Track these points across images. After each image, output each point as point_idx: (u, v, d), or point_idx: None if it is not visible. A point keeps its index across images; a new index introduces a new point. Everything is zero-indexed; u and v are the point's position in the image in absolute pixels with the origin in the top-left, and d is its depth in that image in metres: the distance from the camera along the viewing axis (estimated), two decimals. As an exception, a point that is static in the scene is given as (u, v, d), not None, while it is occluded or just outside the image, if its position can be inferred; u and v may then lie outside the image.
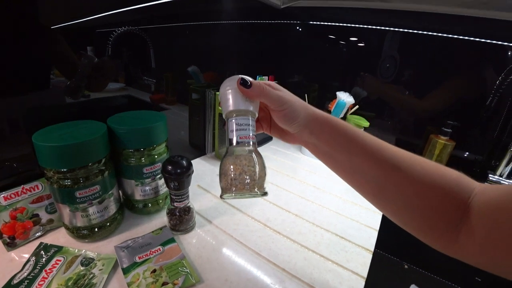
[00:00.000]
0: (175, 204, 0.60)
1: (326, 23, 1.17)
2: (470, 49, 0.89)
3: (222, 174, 0.38)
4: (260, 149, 1.08)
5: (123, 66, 0.76)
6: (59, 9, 0.59)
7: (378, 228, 0.69)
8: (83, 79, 0.66)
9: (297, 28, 1.26)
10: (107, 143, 0.56)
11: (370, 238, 0.65)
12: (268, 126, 0.46)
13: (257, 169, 0.38)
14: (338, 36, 1.16)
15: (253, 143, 0.39)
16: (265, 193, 0.39)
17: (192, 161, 0.59)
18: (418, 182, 0.35)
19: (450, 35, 0.90)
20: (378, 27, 1.03)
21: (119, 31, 0.69)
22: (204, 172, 0.88)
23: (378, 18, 1.02)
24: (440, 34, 0.92)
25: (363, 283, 0.54)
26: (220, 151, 0.97)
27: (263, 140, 1.16)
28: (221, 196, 0.38)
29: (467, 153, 0.95)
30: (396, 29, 0.99)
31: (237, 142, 0.38)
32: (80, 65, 0.65)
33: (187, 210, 0.62)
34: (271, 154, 1.08)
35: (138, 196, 0.63)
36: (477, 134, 0.93)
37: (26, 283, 0.48)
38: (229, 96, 0.39)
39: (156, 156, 0.62)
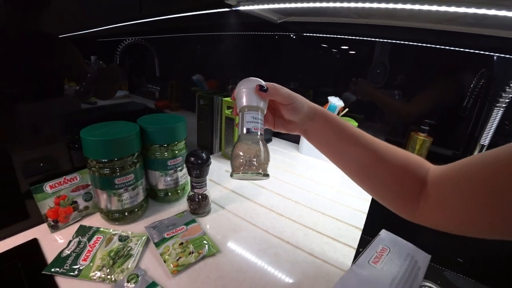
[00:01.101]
0: (195, 190, 0.70)
1: (318, 35, 1.29)
2: (449, 57, 1.00)
3: (234, 156, 0.46)
4: None
5: (128, 74, 0.82)
6: (66, 19, 0.64)
7: (367, 211, 0.80)
8: (92, 84, 0.72)
9: (292, 36, 1.37)
10: (139, 139, 0.66)
11: (361, 220, 0.76)
12: (272, 122, 0.56)
13: (263, 155, 0.46)
14: (330, 44, 1.27)
15: (260, 133, 0.48)
16: (267, 175, 0.47)
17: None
18: (389, 163, 0.46)
19: (431, 45, 1.01)
20: (368, 39, 1.14)
21: (127, 42, 0.76)
22: (213, 168, 0.99)
23: (367, 31, 1.13)
24: (422, 44, 1.03)
25: (354, 252, 0.65)
26: (226, 151, 1.07)
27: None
28: (231, 175, 0.47)
29: (445, 148, 1.07)
30: (384, 40, 1.11)
31: (248, 132, 0.47)
32: (89, 71, 0.71)
33: (205, 197, 0.73)
34: (271, 153, 1.18)
35: (161, 185, 0.74)
36: (454, 132, 1.04)
37: (74, 256, 0.58)
38: (244, 94, 0.49)
39: (177, 151, 0.73)
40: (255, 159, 0.46)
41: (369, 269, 0.38)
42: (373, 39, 1.13)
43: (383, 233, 0.45)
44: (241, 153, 0.46)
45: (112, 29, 0.73)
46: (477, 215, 0.33)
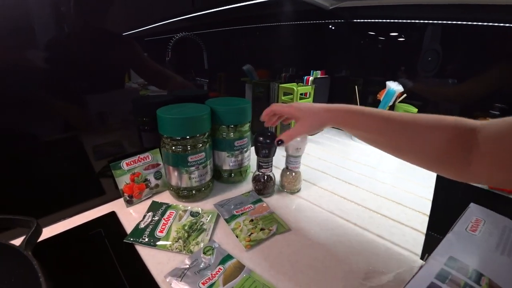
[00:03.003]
0: (262, 170, 0.72)
1: (368, 21, 1.26)
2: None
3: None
4: (315, 137, 1.20)
5: (176, 68, 0.83)
6: (127, 18, 0.68)
7: (431, 198, 0.77)
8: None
9: (339, 25, 1.35)
10: (210, 119, 0.69)
11: (426, 206, 0.74)
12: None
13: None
14: (379, 32, 1.23)
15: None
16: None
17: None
18: (425, 131, 0.45)
19: (491, 23, 0.94)
20: (420, 21, 1.09)
21: (178, 37, 0.78)
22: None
23: (419, 13, 1.08)
24: (480, 23, 0.96)
25: (424, 238, 0.63)
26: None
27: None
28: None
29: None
30: (437, 22, 1.05)
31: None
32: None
33: (270, 178, 0.74)
34: (326, 140, 1.19)
35: (226, 166, 0.76)
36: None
37: (151, 227, 0.62)
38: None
39: (243, 133, 0.75)
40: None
41: (468, 236, 0.36)
42: (425, 21, 1.07)
43: (473, 206, 0.44)
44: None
45: (165, 25, 0.75)
46: None
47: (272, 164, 0.73)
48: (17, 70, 0.54)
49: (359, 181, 0.85)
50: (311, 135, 0.61)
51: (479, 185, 0.49)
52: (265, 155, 0.69)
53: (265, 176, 0.74)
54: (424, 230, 0.65)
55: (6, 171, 0.57)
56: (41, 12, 0.54)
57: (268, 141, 0.67)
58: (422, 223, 0.67)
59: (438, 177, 0.53)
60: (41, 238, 0.56)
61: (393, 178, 0.89)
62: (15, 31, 0.52)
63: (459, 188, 0.50)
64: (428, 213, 0.71)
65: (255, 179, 0.75)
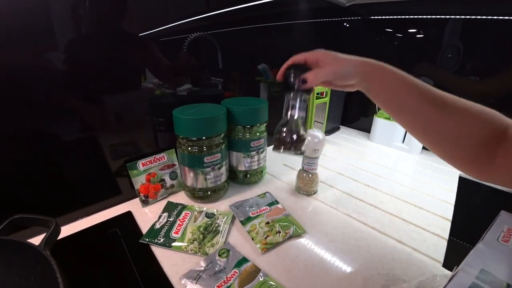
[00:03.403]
0: (292, 112, 0.56)
1: (385, 17, 1.22)
2: None
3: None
4: (330, 137, 1.18)
5: (191, 68, 0.83)
6: (143, 19, 0.68)
7: (452, 202, 0.75)
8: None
9: (354, 23, 1.32)
10: (226, 120, 0.68)
11: (447, 210, 0.71)
12: (329, 84, 0.53)
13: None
14: (397, 28, 1.20)
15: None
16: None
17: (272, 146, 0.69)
18: (464, 117, 0.41)
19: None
20: (440, 16, 1.06)
21: (192, 36, 0.78)
22: (285, 154, 0.99)
23: (439, 8, 1.04)
24: (505, 18, 0.91)
25: (446, 244, 0.61)
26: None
27: (332, 129, 1.25)
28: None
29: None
30: (458, 17, 1.01)
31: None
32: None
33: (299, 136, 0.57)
34: (342, 141, 1.17)
35: (242, 167, 0.76)
36: None
37: (166, 228, 0.62)
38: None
39: (259, 134, 0.74)
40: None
41: (500, 247, 0.34)
42: (446, 16, 1.03)
43: (504, 214, 0.41)
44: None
45: (179, 25, 0.75)
46: None
47: (306, 106, 0.57)
48: (38, 71, 0.55)
49: (377, 183, 0.83)
50: (337, 87, 0.51)
51: (505, 189, 0.46)
52: (303, 82, 0.51)
53: (298, 118, 0.54)
54: (446, 236, 0.63)
55: (27, 170, 0.58)
56: (60, 14, 0.55)
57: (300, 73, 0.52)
58: (443, 228, 0.65)
59: (460, 179, 0.50)
60: (59, 237, 0.57)
61: (412, 180, 0.86)
62: (35, 34, 0.53)
63: (482, 191, 0.48)
64: (450, 217, 0.69)
65: (281, 130, 0.54)
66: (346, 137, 1.22)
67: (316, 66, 0.51)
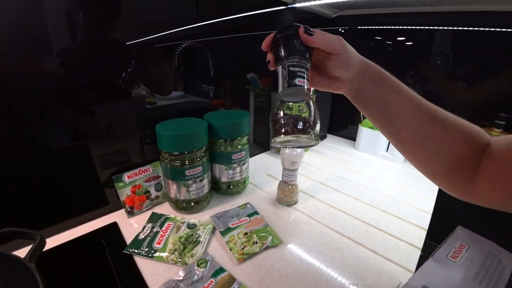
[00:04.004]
0: (298, 80, 0.41)
1: (373, 27, 1.24)
2: None
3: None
4: (317, 147, 1.18)
5: (183, 75, 0.86)
6: (133, 28, 0.69)
7: (431, 211, 0.77)
8: (136, 71, 0.72)
9: (341, 31, 1.34)
10: (207, 134, 0.71)
11: (424, 219, 0.73)
12: (315, 78, 0.46)
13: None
14: (385, 37, 1.21)
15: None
16: (317, 139, 0.38)
17: (258, 156, 0.70)
18: (448, 130, 0.39)
19: (504, 29, 0.91)
20: (427, 27, 1.08)
21: (184, 45, 0.79)
22: (270, 164, 1.02)
23: (426, 19, 1.06)
24: (491, 29, 0.93)
25: (419, 253, 0.63)
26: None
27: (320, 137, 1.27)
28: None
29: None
30: (447, 28, 1.02)
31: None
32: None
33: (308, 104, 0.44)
34: (327, 150, 1.19)
35: (224, 178, 0.78)
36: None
37: (149, 239, 0.64)
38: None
39: (240, 146, 0.77)
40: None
41: (448, 263, 0.36)
42: (434, 27, 1.06)
43: (460, 229, 0.43)
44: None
45: (170, 34, 0.77)
46: None
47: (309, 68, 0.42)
48: (28, 79, 0.56)
49: (359, 193, 0.85)
50: (328, 80, 0.44)
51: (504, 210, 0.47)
52: (299, 50, 0.40)
53: (305, 88, 0.39)
54: (420, 245, 0.65)
55: (15, 179, 0.59)
56: (52, 22, 0.57)
57: (290, 32, 0.41)
58: (419, 238, 0.67)
59: (440, 190, 0.52)
60: (45, 248, 0.59)
61: (394, 189, 0.88)
62: (26, 41, 0.54)
63: (461, 202, 0.49)
64: (426, 227, 0.71)
65: (279, 111, 0.38)
66: (332, 145, 1.24)
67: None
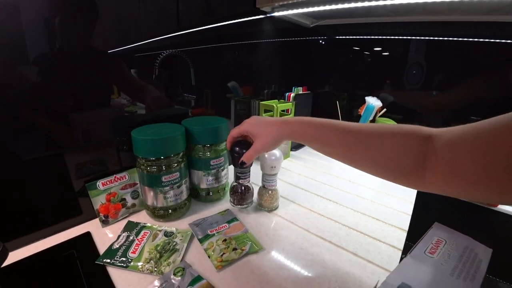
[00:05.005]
0: (240, 181, 0.73)
1: (350, 37, 1.28)
2: (493, 49, 0.95)
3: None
4: (297, 152, 1.22)
5: (164, 85, 0.85)
6: (112, 36, 0.69)
7: (410, 213, 0.77)
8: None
9: (321, 42, 1.38)
10: (184, 139, 0.69)
11: (404, 221, 0.74)
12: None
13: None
14: (363, 47, 1.26)
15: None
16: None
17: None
18: (375, 146, 0.46)
19: (472, 39, 0.97)
20: (402, 37, 1.12)
21: (165, 54, 0.79)
22: (253, 172, 1.00)
23: (401, 29, 1.11)
24: (461, 39, 0.99)
25: (400, 254, 0.63)
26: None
27: (299, 145, 1.28)
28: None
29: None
30: (420, 38, 1.07)
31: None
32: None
33: (248, 188, 0.75)
34: (308, 156, 1.20)
35: (203, 185, 0.76)
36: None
37: (123, 248, 0.61)
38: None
39: (219, 152, 0.75)
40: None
41: (426, 259, 0.36)
42: (408, 37, 1.10)
43: (436, 225, 0.43)
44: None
45: (151, 43, 0.77)
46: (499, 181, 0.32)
47: (249, 174, 0.74)
48: (1, 85, 0.54)
49: (339, 197, 0.85)
50: (273, 149, 0.61)
51: (461, 198, 0.48)
52: (242, 165, 0.66)
53: (243, 187, 0.75)
54: (401, 247, 0.65)
55: None
56: (27, 29, 0.55)
57: (244, 151, 0.65)
58: (399, 239, 0.67)
59: (418, 193, 0.53)
60: (12, 261, 0.56)
61: (375, 193, 0.89)
62: (1, 46, 0.53)
63: (439, 201, 0.50)
64: (407, 228, 0.71)
65: (233, 190, 0.76)
66: (312, 152, 1.24)
67: (250, 136, 0.62)
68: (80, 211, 0.71)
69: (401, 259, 0.59)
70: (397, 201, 0.83)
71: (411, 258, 0.37)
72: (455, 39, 1.00)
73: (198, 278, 0.54)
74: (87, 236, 0.66)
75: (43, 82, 0.59)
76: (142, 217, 0.73)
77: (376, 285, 0.52)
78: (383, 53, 1.20)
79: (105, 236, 0.66)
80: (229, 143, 0.66)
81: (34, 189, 0.63)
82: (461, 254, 0.37)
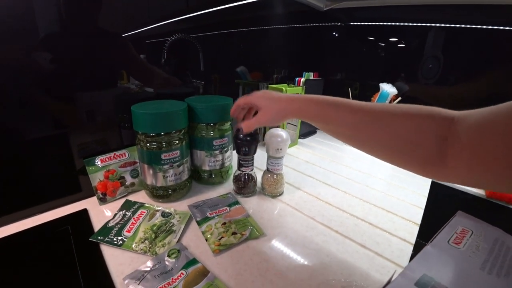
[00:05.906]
0: (243, 168, 0.70)
1: (366, 23, 1.22)
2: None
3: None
4: (305, 141, 1.16)
5: (173, 71, 0.83)
6: (126, 20, 0.69)
7: (423, 207, 0.72)
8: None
9: (334, 33, 1.32)
10: (187, 116, 0.66)
11: (417, 215, 0.69)
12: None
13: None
14: (378, 37, 1.20)
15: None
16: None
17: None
18: (388, 127, 0.40)
19: (492, 27, 0.90)
20: (420, 24, 1.05)
21: (173, 38, 0.77)
22: (257, 156, 0.96)
23: (420, 14, 1.05)
24: (483, 27, 0.92)
25: (412, 248, 0.58)
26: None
27: (308, 133, 1.23)
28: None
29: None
30: (439, 25, 1.01)
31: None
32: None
33: (251, 177, 0.72)
34: (317, 144, 1.15)
35: (206, 166, 0.73)
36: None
37: (119, 227, 0.59)
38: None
39: (223, 131, 0.72)
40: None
41: (450, 250, 0.31)
42: (427, 24, 1.03)
43: (460, 214, 0.38)
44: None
45: (160, 27, 0.75)
46: None
47: (253, 162, 0.71)
48: (9, 67, 0.54)
49: (348, 187, 0.81)
50: (275, 126, 0.58)
51: (476, 193, 0.43)
52: (245, 152, 0.67)
53: (246, 175, 0.71)
54: (413, 241, 0.60)
55: None
56: (34, 11, 0.54)
57: (248, 138, 0.65)
58: (411, 232, 0.63)
59: (433, 183, 0.48)
60: (4, 234, 0.55)
61: (386, 184, 0.84)
62: (9, 29, 0.52)
63: (453, 195, 0.45)
64: (419, 222, 0.66)
65: (236, 178, 0.72)
66: (321, 140, 1.20)
67: (255, 107, 0.60)
68: (79, 188, 0.69)
69: (412, 256, 0.55)
70: (410, 194, 0.78)
71: (433, 247, 0.33)
72: (480, 26, 0.93)
73: (193, 261, 0.51)
74: (84, 213, 0.64)
75: (50, 62, 0.58)
76: (141, 197, 0.70)
77: (392, 277, 0.48)
78: (399, 44, 1.14)
79: (102, 214, 0.64)
80: (234, 111, 0.64)
81: (34, 165, 0.62)
82: (492, 247, 0.32)
